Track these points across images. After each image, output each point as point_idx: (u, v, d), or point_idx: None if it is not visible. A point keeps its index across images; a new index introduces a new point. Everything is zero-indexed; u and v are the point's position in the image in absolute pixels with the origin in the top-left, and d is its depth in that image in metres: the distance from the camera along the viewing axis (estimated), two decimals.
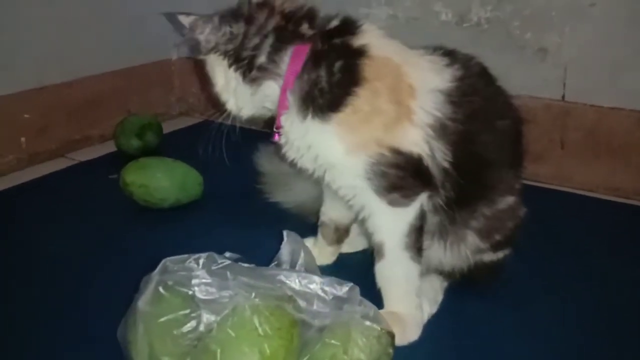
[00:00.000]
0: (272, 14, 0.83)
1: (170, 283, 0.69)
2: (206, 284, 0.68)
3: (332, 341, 0.68)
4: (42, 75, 1.51)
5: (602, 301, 0.93)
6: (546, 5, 1.23)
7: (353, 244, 1.06)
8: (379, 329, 0.70)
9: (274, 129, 0.85)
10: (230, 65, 0.84)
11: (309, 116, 0.80)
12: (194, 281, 0.68)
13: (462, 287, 0.93)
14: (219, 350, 0.64)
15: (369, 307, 0.73)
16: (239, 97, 0.85)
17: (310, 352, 0.67)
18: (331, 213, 1.00)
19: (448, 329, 0.87)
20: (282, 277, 0.74)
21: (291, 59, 0.81)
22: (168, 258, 0.71)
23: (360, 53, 0.80)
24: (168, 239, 1.09)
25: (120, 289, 0.80)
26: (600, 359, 0.81)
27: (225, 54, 0.84)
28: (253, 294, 0.68)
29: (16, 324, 0.89)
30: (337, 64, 0.80)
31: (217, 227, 1.13)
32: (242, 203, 1.23)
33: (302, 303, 0.71)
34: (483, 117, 0.85)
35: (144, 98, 1.75)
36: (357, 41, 0.81)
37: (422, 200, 0.83)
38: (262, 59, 0.82)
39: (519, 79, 1.29)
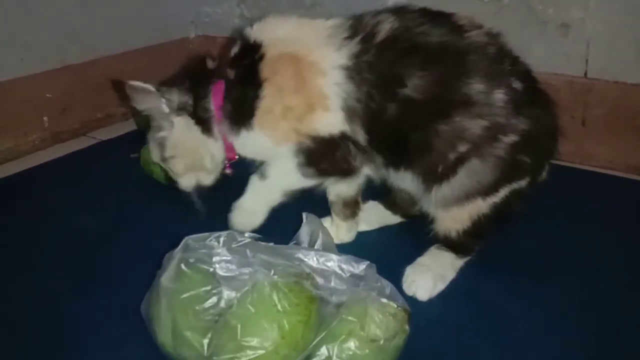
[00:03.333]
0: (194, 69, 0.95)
1: (192, 260, 0.71)
2: (226, 261, 0.70)
3: (349, 317, 0.69)
4: (64, 54, 1.53)
5: (622, 282, 0.92)
6: None
7: (369, 222, 1.07)
8: (395, 306, 0.72)
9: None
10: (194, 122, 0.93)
11: (240, 131, 0.91)
12: (214, 258, 0.70)
13: (477, 266, 0.94)
14: (239, 326, 0.66)
15: (386, 285, 0.75)
16: (210, 148, 0.95)
17: (327, 328, 0.69)
18: (333, 189, 1.02)
19: (464, 309, 0.88)
20: (300, 255, 0.76)
21: (213, 96, 0.92)
22: (190, 236, 0.73)
23: (256, 61, 0.89)
24: (188, 216, 1.12)
25: (143, 264, 0.83)
26: (616, 341, 0.81)
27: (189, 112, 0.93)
28: (272, 271, 0.70)
29: (40, 298, 0.92)
30: (242, 80, 0.90)
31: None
32: None
33: (320, 280, 0.73)
34: (383, 91, 0.87)
35: (164, 76, 1.77)
36: (255, 52, 0.90)
37: (328, 182, 0.95)
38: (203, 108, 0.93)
39: (541, 55, 1.27)
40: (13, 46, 1.43)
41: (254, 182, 0.95)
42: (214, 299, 0.67)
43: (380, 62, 0.87)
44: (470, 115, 0.87)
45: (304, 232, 0.83)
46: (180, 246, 0.72)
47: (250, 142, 0.92)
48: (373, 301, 0.71)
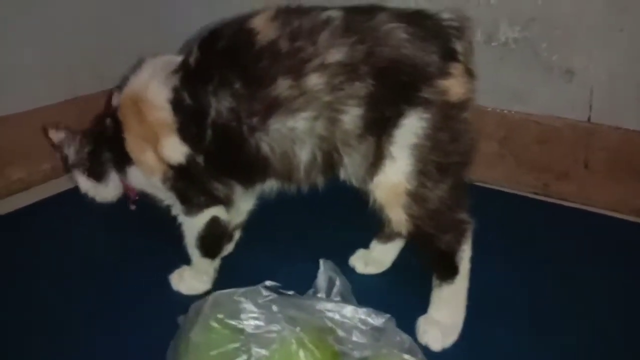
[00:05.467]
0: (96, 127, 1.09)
1: (220, 316, 0.73)
2: (254, 318, 0.73)
3: None
4: (76, 86, 1.56)
5: (627, 326, 0.95)
6: (574, 28, 1.24)
7: (380, 263, 1.10)
8: None
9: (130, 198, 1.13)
10: (88, 177, 1.09)
11: (126, 171, 1.05)
12: (242, 315, 0.73)
13: (490, 312, 0.96)
14: None
15: (406, 339, 0.77)
16: (101, 192, 1.12)
17: None
18: None
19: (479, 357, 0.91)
20: (321, 307, 0.78)
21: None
22: (218, 292, 0.75)
23: (116, 107, 1.03)
24: None
25: (163, 303, 0.89)
26: None
27: (83, 169, 1.09)
28: (298, 328, 0.72)
29: (53, 334, 0.94)
30: (114, 128, 1.03)
31: (252, 251, 1.16)
32: (278, 226, 1.25)
33: (341, 333, 0.76)
34: (196, 122, 0.94)
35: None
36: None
37: (212, 213, 1.00)
38: (98, 162, 1.09)
39: (545, 99, 1.32)
40: (26, 78, 1.46)
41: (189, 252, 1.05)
42: (243, 357, 0.70)
43: (189, 94, 0.94)
44: (286, 113, 0.88)
45: (321, 279, 0.86)
46: (209, 301, 0.74)
47: (134, 178, 1.06)
48: (395, 357, 0.74)
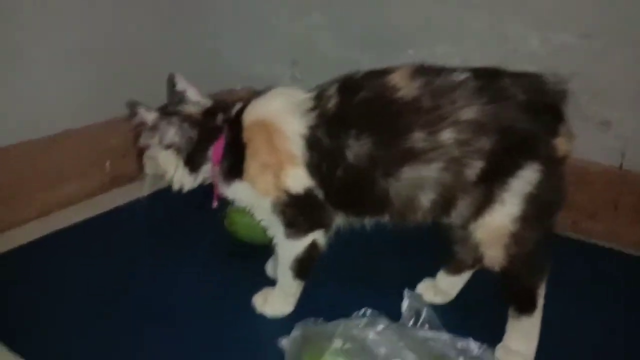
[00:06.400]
0: (205, 119, 1.10)
1: (345, 346, 0.79)
2: (378, 345, 0.80)
3: None
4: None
5: None
6: (612, 84, 1.37)
7: (445, 293, 1.18)
8: None
9: (214, 196, 1.14)
10: (183, 162, 1.10)
11: (231, 181, 1.09)
12: (366, 343, 0.79)
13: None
14: None
15: None
16: (185, 180, 1.12)
17: None
18: None
19: None
20: (423, 336, 0.86)
21: (214, 149, 1.09)
22: (343, 322, 0.82)
23: (240, 127, 1.07)
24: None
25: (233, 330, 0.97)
26: None
27: (181, 153, 1.09)
28: (414, 356, 0.80)
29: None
30: (234, 142, 1.07)
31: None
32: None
33: None
34: (329, 162, 1.02)
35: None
36: (243, 117, 1.07)
37: (313, 237, 1.07)
38: (201, 155, 1.10)
39: (581, 146, 1.42)
40: (84, 96, 1.52)
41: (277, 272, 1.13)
42: None
43: (327, 135, 1.01)
44: (419, 163, 0.97)
45: (408, 309, 0.94)
46: (338, 332, 0.81)
47: (238, 192, 1.09)
48: None
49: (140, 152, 1.14)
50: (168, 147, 1.09)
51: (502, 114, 0.96)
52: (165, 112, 1.10)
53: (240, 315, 1.11)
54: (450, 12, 1.53)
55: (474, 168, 0.96)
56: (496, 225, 0.97)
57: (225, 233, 1.34)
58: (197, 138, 1.09)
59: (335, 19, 1.70)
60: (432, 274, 1.19)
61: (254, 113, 1.07)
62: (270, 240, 1.23)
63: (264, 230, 1.25)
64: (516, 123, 0.96)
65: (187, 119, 1.09)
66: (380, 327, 0.83)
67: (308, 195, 1.04)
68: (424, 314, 0.94)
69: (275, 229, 1.09)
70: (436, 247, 1.14)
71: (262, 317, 1.11)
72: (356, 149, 0.99)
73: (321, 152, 1.02)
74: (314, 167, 1.03)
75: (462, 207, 0.99)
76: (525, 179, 0.95)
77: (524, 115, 0.96)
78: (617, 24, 1.35)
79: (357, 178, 1.01)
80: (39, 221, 1.44)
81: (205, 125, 1.10)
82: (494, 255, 0.99)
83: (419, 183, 0.98)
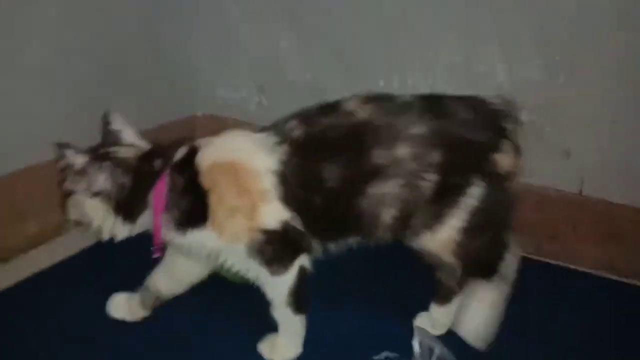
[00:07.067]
0: (140, 164, 1.04)
1: None
2: None
3: None
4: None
5: None
6: (573, 116, 1.45)
7: (441, 327, 1.19)
8: None
9: (154, 246, 1.08)
10: (113, 210, 1.03)
11: (188, 230, 1.03)
12: None
13: None
14: None
15: None
16: (117, 230, 1.06)
17: None
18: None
19: None
20: None
21: (154, 194, 1.03)
22: None
23: (197, 172, 1.02)
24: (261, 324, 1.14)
25: None
26: None
27: (111, 200, 1.03)
28: None
29: None
30: (187, 188, 1.02)
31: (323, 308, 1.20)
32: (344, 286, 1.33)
33: None
34: (306, 189, 1.03)
35: None
36: (197, 161, 1.03)
37: (299, 263, 1.06)
38: (137, 202, 1.04)
39: (542, 172, 1.51)
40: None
41: (276, 319, 1.09)
42: None
43: (299, 165, 1.02)
44: (382, 179, 1.03)
45: (419, 348, 0.95)
46: None
47: (198, 240, 1.03)
48: None
49: (64, 197, 1.05)
50: (96, 194, 1.02)
51: (445, 129, 1.04)
52: (97, 155, 1.03)
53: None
54: (420, 41, 1.55)
55: (429, 182, 1.03)
56: (443, 238, 1.06)
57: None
58: (131, 184, 1.03)
59: (304, 43, 1.69)
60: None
61: (214, 156, 1.04)
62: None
63: None
64: (458, 138, 1.04)
65: (121, 163, 1.03)
66: None
67: (286, 228, 1.03)
68: (436, 351, 0.95)
69: (256, 270, 1.05)
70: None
71: None
72: (331, 172, 1.02)
73: (297, 183, 1.02)
74: (291, 199, 1.03)
75: (415, 225, 1.06)
76: (471, 195, 1.04)
77: (465, 131, 1.05)
78: (579, 58, 1.42)
79: (336, 200, 1.04)
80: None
81: (140, 170, 1.04)
82: (449, 261, 1.09)
83: (382, 199, 1.03)
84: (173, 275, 1.18)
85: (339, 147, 1.03)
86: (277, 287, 1.06)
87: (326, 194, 1.03)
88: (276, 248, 1.03)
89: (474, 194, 1.04)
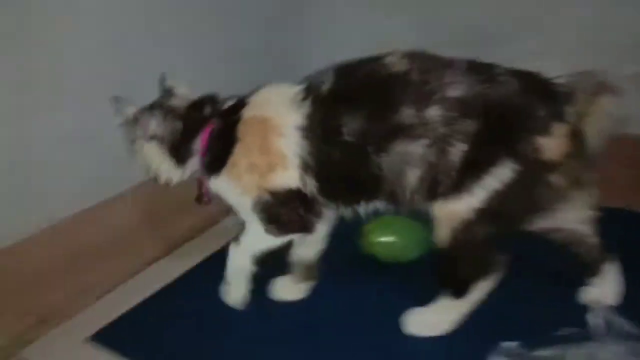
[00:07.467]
0: (189, 110, 1.11)
1: None
2: None
3: None
4: None
5: None
6: None
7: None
8: None
9: (201, 192, 1.16)
10: (168, 153, 1.11)
11: (213, 175, 1.10)
12: None
13: None
14: None
15: None
16: (172, 173, 1.13)
17: None
18: (296, 251, 1.21)
19: None
20: None
21: (201, 138, 1.10)
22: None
23: (236, 120, 1.07)
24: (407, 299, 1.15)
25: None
26: None
27: (164, 144, 1.10)
28: None
29: None
30: (223, 134, 1.08)
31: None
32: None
33: None
34: (327, 142, 1.02)
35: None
36: (240, 111, 1.08)
37: (292, 236, 1.10)
38: (186, 147, 1.10)
39: None
40: None
41: (231, 250, 1.14)
42: None
43: (323, 117, 1.01)
44: (408, 138, 0.96)
45: (595, 322, 0.94)
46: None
47: (219, 187, 1.10)
48: None
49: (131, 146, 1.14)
50: (151, 138, 1.09)
51: (488, 95, 0.94)
52: (150, 105, 1.11)
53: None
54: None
55: (457, 150, 0.95)
56: (454, 209, 0.98)
57: (360, 253, 1.33)
58: (182, 128, 1.09)
59: (422, 19, 1.69)
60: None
61: (253, 108, 1.07)
62: (416, 256, 1.27)
63: (406, 248, 1.31)
64: (501, 108, 0.93)
65: (171, 111, 1.10)
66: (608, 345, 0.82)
67: (293, 196, 1.05)
68: (615, 322, 0.91)
69: (253, 224, 1.09)
70: None
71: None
72: (350, 125, 0.99)
73: (318, 137, 1.02)
74: (310, 157, 1.02)
75: (440, 191, 0.99)
76: (497, 175, 0.94)
77: (510, 102, 0.93)
78: None
79: (351, 157, 1.00)
80: None
81: (189, 116, 1.09)
82: (442, 235, 1.00)
83: (407, 159, 0.98)
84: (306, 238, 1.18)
85: (363, 100, 0.99)
86: (261, 241, 1.10)
87: (343, 148, 1.00)
88: (279, 213, 1.06)
89: (500, 175, 0.93)
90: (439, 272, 1.07)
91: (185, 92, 1.14)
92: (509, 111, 0.94)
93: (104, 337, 1.18)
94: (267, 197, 1.06)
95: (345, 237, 1.25)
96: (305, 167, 1.04)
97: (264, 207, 1.07)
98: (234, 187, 1.08)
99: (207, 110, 1.10)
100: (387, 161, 1.00)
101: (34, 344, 1.18)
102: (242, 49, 1.67)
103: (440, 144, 0.96)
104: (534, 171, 0.94)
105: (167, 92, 1.14)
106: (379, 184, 1.02)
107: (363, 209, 1.10)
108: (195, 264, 1.42)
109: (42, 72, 1.14)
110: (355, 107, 1.00)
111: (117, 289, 1.35)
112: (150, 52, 1.39)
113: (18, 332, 1.17)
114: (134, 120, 1.10)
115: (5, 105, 1.11)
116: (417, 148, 0.97)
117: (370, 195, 1.07)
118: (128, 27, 1.36)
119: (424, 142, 0.97)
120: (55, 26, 1.22)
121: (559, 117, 0.94)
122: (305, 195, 1.06)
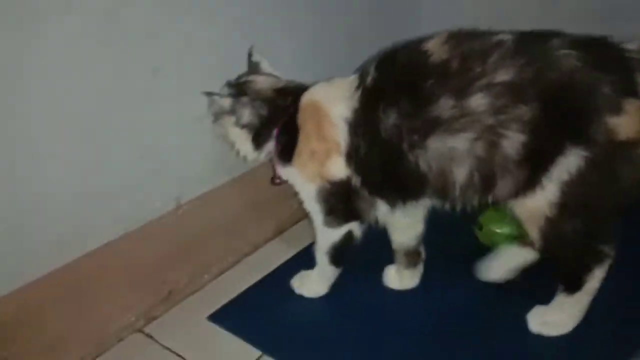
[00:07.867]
0: (277, 97, 1.11)
1: None
2: None
3: None
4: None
5: None
6: None
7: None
8: None
9: (275, 174, 1.18)
10: (250, 138, 1.13)
11: (284, 164, 1.12)
12: None
13: None
14: None
15: None
16: (249, 154, 1.16)
17: None
18: (395, 238, 1.20)
19: None
20: None
21: (276, 128, 1.11)
22: None
23: (296, 109, 1.08)
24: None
25: None
26: None
27: (252, 130, 1.12)
28: None
29: None
30: (288, 123, 1.09)
31: None
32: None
33: None
34: (369, 138, 0.99)
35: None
36: (300, 100, 1.08)
37: (349, 227, 1.11)
38: (267, 133, 1.12)
39: None
40: None
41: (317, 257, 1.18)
42: None
43: (364, 114, 1.00)
44: (445, 133, 0.88)
45: None
46: None
47: (287, 174, 1.13)
48: None
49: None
50: (244, 126, 1.13)
51: (544, 77, 0.82)
52: (238, 90, 1.12)
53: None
54: None
55: (513, 142, 0.86)
56: (534, 207, 0.90)
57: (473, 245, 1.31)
58: (267, 115, 1.11)
59: None
60: None
61: (309, 97, 1.08)
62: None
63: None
64: (560, 91, 0.83)
65: (258, 96, 1.11)
66: None
67: (346, 184, 1.05)
68: None
69: (315, 215, 1.13)
70: None
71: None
72: (385, 121, 0.96)
73: (361, 132, 1.00)
74: (354, 151, 1.02)
75: (503, 187, 0.91)
76: (565, 166, 0.84)
77: (571, 83, 0.82)
78: None
79: (387, 153, 0.97)
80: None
81: (276, 104, 1.11)
82: (533, 235, 0.95)
83: (449, 154, 0.91)
84: (396, 225, 1.19)
85: (398, 95, 0.94)
86: (324, 236, 1.14)
87: (381, 145, 0.97)
88: (336, 202, 1.08)
89: (567, 165, 0.84)
90: (554, 269, 1.04)
91: (268, 68, 1.18)
92: (570, 91, 0.83)
93: (221, 316, 1.24)
94: (327, 186, 1.08)
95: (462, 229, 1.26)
96: (349, 160, 1.05)
97: (325, 196, 1.09)
98: (301, 176, 1.10)
99: (289, 99, 1.12)
100: (424, 158, 0.94)
101: (157, 320, 1.26)
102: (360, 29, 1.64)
103: (489, 136, 0.87)
104: (611, 154, 0.83)
105: (254, 67, 1.18)
106: (421, 181, 0.97)
107: (410, 206, 1.07)
108: (303, 247, 1.44)
109: (171, 60, 1.17)
110: (389, 102, 0.95)
111: (232, 269, 1.40)
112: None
113: (145, 309, 1.25)
114: (230, 112, 1.13)
115: (138, 90, 1.13)
116: (459, 143, 0.90)
117: (414, 193, 1.03)
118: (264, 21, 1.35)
119: (468, 135, 0.89)
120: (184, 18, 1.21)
121: (631, 90, 0.82)
122: (353, 184, 1.07)
